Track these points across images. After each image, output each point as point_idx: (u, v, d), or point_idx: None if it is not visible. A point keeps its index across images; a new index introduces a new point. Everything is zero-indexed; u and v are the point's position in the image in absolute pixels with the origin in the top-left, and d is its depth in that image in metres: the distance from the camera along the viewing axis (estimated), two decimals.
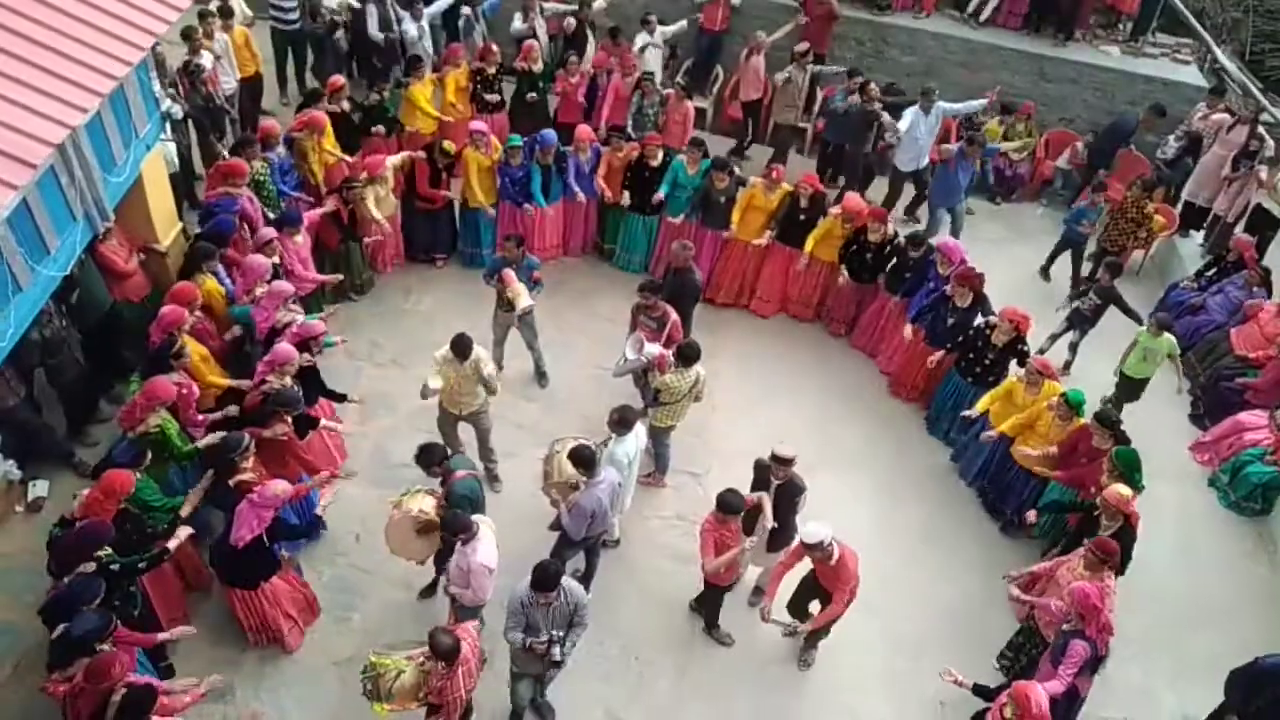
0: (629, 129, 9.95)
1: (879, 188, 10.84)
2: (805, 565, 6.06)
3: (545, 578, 5.16)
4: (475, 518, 5.63)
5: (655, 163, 9.19)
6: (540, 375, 8.46)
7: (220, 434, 6.22)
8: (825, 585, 5.99)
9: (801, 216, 8.94)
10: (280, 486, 5.70)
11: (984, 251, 9.62)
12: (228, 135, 9.77)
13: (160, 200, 7.89)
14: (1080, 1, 11.73)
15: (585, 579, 6.52)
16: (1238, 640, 6.59)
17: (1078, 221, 9.77)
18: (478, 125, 9.17)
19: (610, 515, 6.29)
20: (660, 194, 9.17)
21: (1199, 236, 10.76)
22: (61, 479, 7.05)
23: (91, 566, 5.21)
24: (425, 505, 5.89)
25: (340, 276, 8.52)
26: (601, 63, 10.61)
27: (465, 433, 7.29)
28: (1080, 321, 8.77)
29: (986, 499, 7.74)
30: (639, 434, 6.68)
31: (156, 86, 7.60)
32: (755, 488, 6.29)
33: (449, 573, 5.71)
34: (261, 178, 8.32)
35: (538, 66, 10.50)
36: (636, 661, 6.51)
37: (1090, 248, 10.09)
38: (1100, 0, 12.01)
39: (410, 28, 10.85)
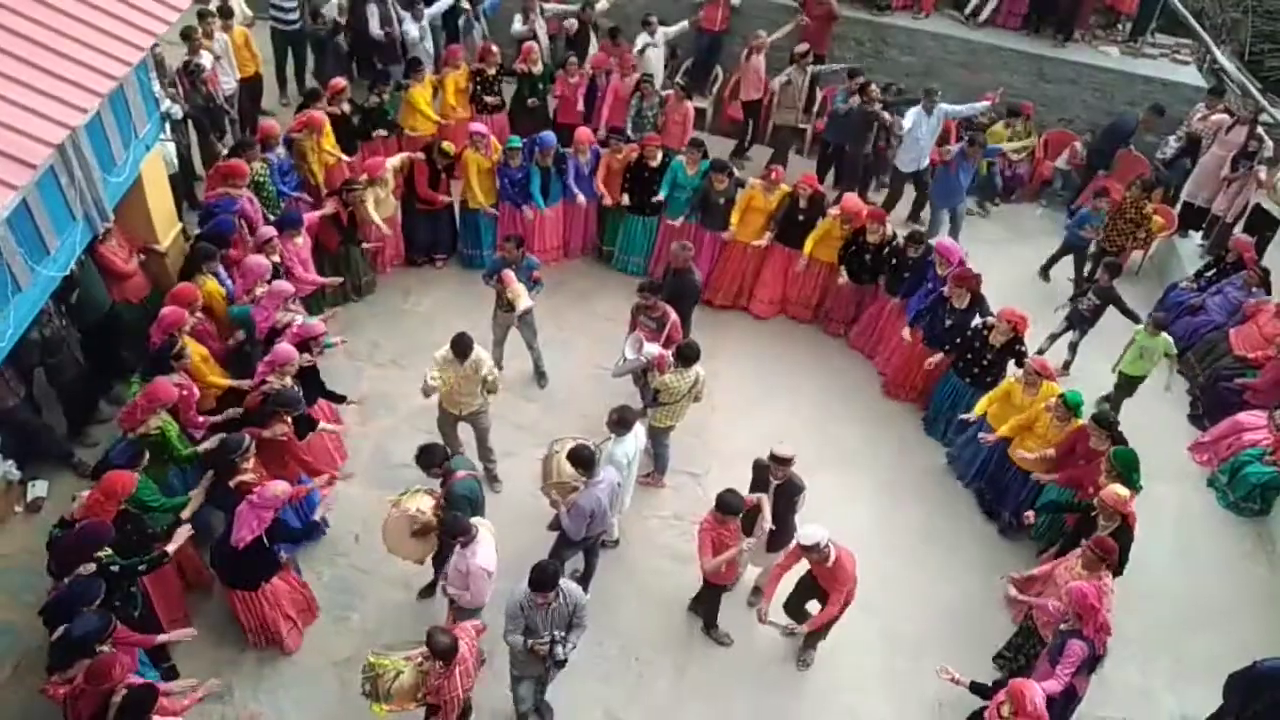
0: (628, 131, 9.95)
1: (878, 188, 10.85)
2: (803, 566, 6.06)
3: (543, 578, 5.17)
4: (474, 520, 5.63)
5: (654, 163, 9.19)
6: (540, 375, 8.46)
7: (220, 436, 6.22)
8: (823, 586, 6.00)
9: (800, 217, 8.93)
10: (280, 487, 5.70)
11: (983, 252, 9.65)
12: (227, 135, 9.77)
13: (160, 201, 7.90)
14: (1080, 2, 11.73)
15: (584, 579, 6.53)
16: (1236, 641, 6.61)
17: (1080, 226, 9.76)
18: (477, 127, 9.18)
19: (609, 515, 6.30)
20: (660, 195, 9.17)
21: (1198, 237, 10.76)
22: (61, 479, 7.05)
23: (91, 567, 5.21)
24: (424, 505, 5.89)
25: (340, 279, 8.53)
26: (601, 63, 10.59)
27: (464, 433, 7.30)
28: (1079, 322, 8.77)
29: (984, 501, 7.73)
30: (638, 434, 6.68)
31: (156, 87, 7.60)
32: (754, 488, 6.30)
33: (448, 575, 5.71)
34: (261, 178, 8.32)
35: (537, 68, 10.48)
36: (636, 662, 6.52)
37: (1090, 248, 10.10)
38: (1099, 1, 12.02)
39: (411, 29, 10.85)
